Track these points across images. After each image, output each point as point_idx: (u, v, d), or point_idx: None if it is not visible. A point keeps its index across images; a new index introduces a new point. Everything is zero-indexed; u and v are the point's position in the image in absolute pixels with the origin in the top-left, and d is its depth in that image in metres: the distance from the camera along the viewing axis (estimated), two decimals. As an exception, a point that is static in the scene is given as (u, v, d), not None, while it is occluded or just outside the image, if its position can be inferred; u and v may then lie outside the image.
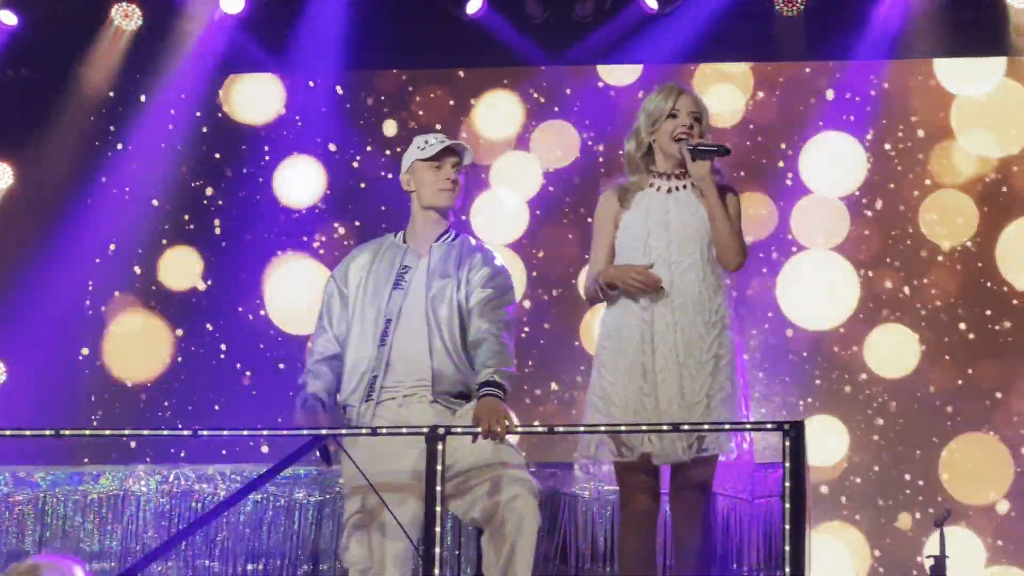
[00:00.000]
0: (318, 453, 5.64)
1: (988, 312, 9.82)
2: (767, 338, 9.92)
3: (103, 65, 10.20)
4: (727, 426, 5.56)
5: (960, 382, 9.75)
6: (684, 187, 5.84)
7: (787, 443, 5.15)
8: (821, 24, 9.81)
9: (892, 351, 9.86)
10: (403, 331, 5.73)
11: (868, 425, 9.79)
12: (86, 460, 8.29)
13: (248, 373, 10.15)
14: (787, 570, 5.09)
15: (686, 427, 5.47)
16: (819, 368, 9.86)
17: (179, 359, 10.24)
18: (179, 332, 10.27)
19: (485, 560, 5.63)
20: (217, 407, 10.09)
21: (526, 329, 9.97)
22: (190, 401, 10.14)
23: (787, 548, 5.11)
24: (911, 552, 9.54)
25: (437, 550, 5.26)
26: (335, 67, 10.25)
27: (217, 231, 10.40)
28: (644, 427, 5.58)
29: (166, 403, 10.15)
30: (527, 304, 10.07)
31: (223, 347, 10.23)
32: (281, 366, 10.08)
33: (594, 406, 5.75)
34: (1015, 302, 9.81)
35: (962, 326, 9.83)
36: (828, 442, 9.74)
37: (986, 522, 9.61)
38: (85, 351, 10.26)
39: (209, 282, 10.33)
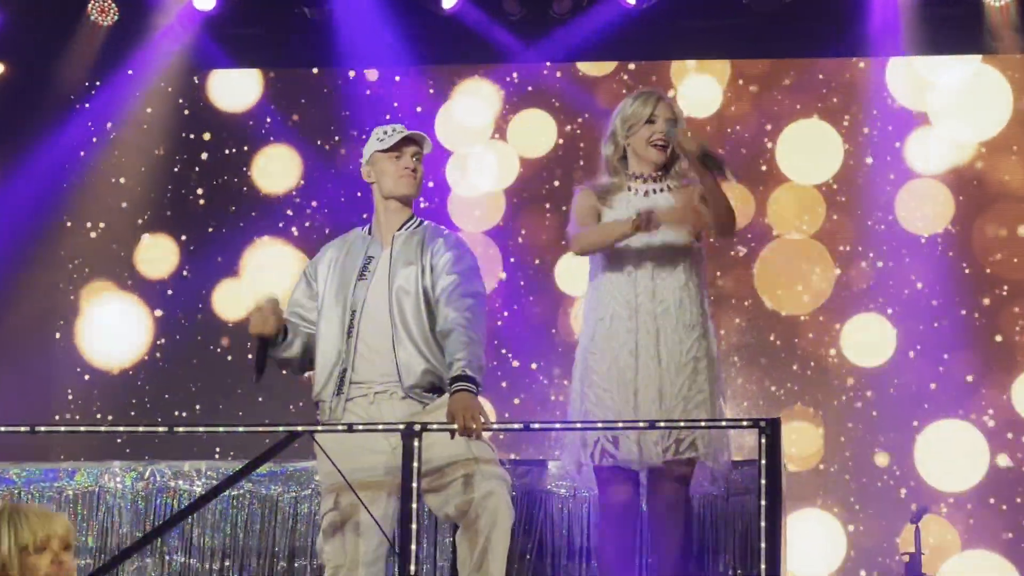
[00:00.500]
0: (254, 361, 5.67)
1: (964, 299, 9.86)
2: (744, 326, 9.95)
3: (80, 60, 10.19)
4: (703, 424, 5.58)
5: (939, 369, 9.79)
6: (662, 190, 5.86)
7: (763, 440, 5.15)
8: (801, 21, 9.82)
9: (868, 340, 9.89)
10: (368, 322, 5.73)
11: (844, 413, 9.82)
12: (61, 457, 8.29)
13: (228, 357, 10.18)
14: (763, 567, 5.10)
15: (662, 424, 5.49)
16: (795, 357, 9.89)
17: (158, 342, 10.26)
18: (158, 313, 10.29)
19: (459, 557, 5.63)
20: (194, 387, 10.16)
21: (505, 314, 9.99)
22: (168, 386, 10.17)
23: (763, 545, 5.11)
24: (886, 539, 9.59)
25: (413, 547, 5.26)
26: (313, 63, 10.30)
27: (194, 219, 10.42)
28: (620, 425, 5.60)
29: (147, 388, 10.18)
30: (502, 292, 10.08)
31: (199, 336, 10.25)
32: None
33: (592, 415, 5.77)
34: (991, 289, 9.84)
35: (937, 314, 9.86)
36: (804, 431, 9.78)
37: (962, 508, 9.66)
38: (58, 335, 10.26)
39: (186, 272, 10.34)
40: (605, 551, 5.80)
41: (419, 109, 10.25)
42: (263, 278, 10.19)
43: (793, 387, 9.87)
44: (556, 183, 10.11)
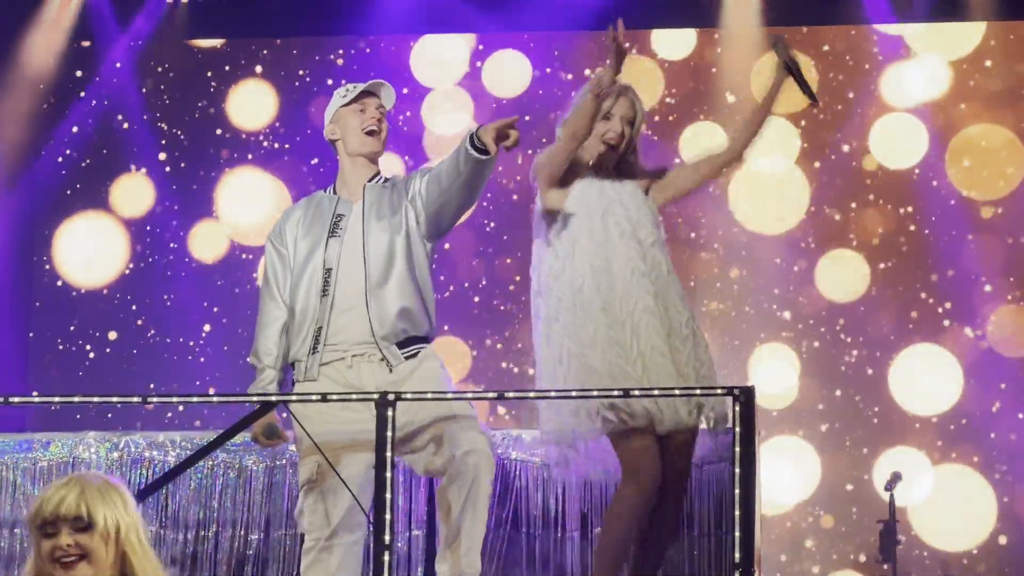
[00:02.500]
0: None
1: (936, 230, 9.94)
2: (720, 264, 10.03)
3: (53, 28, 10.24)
4: (677, 392, 5.57)
5: (911, 299, 9.85)
6: (619, 180, 5.83)
7: (737, 408, 5.15)
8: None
9: (842, 275, 9.94)
10: (343, 279, 5.73)
11: (820, 347, 9.90)
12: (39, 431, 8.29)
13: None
14: (737, 534, 5.10)
15: (636, 393, 5.46)
16: (773, 298, 9.96)
17: (131, 267, 10.51)
18: (137, 248, 10.47)
19: (440, 510, 5.62)
20: (168, 301, 10.36)
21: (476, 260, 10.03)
22: (145, 305, 10.37)
23: (738, 512, 5.11)
24: (860, 469, 9.70)
25: (388, 516, 5.25)
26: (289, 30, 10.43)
27: (164, 156, 10.56)
28: (595, 392, 5.55)
29: (131, 306, 10.36)
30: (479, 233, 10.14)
31: (172, 253, 10.41)
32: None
33: (578, 380, 5.68)
34: (964, 217, 9.92)
35: (906, 247, 9.94)
36: (780, 368, 9.87)
37: (935, 430, 9.78)
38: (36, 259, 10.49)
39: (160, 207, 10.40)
40: (630, 525, 5.63)
41: (393, 48, 10.38)
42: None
43: (767, 326, 9.97)
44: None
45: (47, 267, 10.56)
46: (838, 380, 9.97)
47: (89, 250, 10.58)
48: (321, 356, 5.70)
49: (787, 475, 9.80)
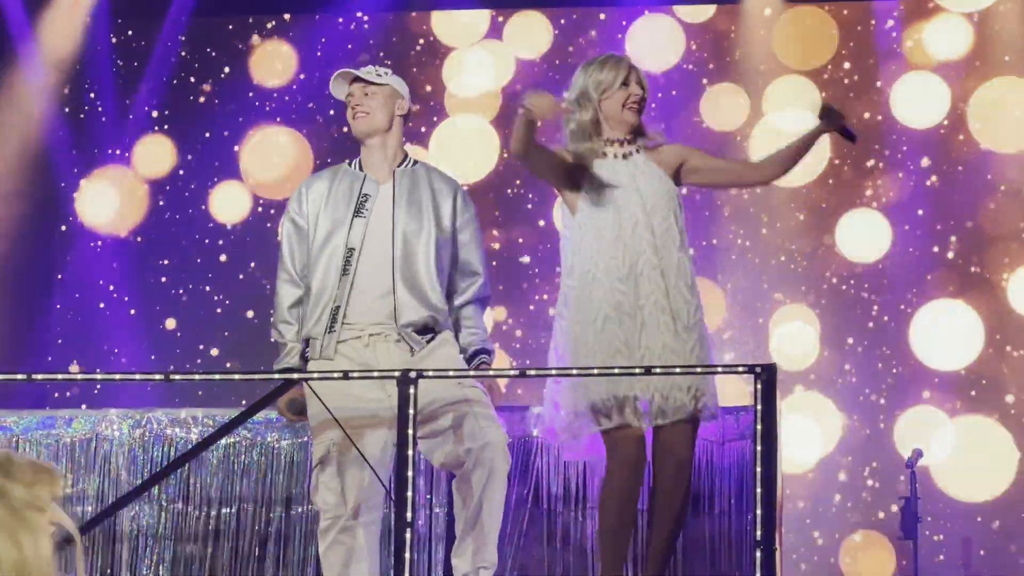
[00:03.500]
0: None
1: (959, 186, 9.94)
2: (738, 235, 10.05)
3: None
4: (699, 369, 5.57)
5: (930, 256, 9.90)
6: (637, 151, 5.83)
7: (758, 386, 5.15)
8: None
9: (863, 237, 9.94)
10: (366, 261, 5.72)
11: (841, 310, 9.92)
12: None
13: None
14: (759, 512, 5.10)
15: (658, 370, 5.46)
16: (792, 257, 9.97)
17: (154, 215, 10.58)
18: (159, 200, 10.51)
19: (456, 506, 5.67)
20: (199, 260, 10.45)
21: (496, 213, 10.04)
22: (168, 255, 10.45)
23: (759, 491, 5.11)
24: (882, 425, 9.71)
25: (410, 494, 5.25)
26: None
27: (191, 115, 10.66)
28: (616, 370, 5.56)
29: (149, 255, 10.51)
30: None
31: (199, 208, 10.49)
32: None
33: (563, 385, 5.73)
34: (987, 175, 9.92)
35: (928, 207, 9.92)
36: (803, 332, 9.89)
37: (955, 383, 9.79)
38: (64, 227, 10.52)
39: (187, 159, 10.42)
40: (613, 504, 5.71)
41: (413, 15, 10.38)
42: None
43: (787, 291, 9.97)
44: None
45: (71, 220, 10.66)
46: (859, 337, 9.97)
47: (111, 205, 10.65)
48: (338, 335, 5.70)
49: (808, 432, 9.81)
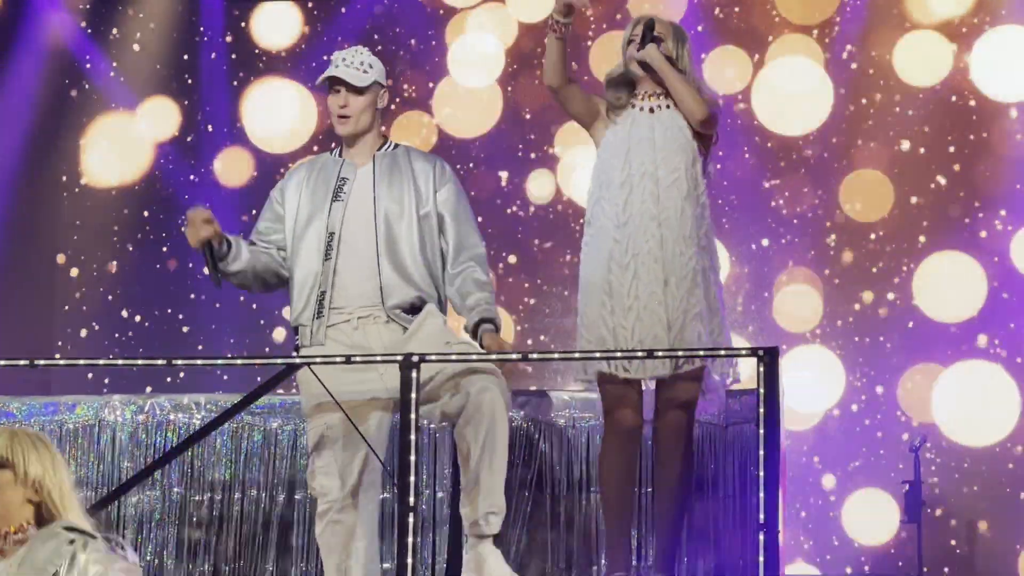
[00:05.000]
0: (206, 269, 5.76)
1: (958, 144, 9.92)
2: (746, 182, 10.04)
3: None
4: (702, 353, 5.58)
5: (935, 209, 9.91)
6: (668, 106, 5.92)
7: (761, 369, 5.14)
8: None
9: (867, 198, 9.96)
10: (347, 243, 5.74)
11: (842, 270, 9.91)
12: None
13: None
14: (762, 495, 5.10)
15: (660, 354, 5.49)
16: (793, 216, 9.96)
17: (157, 172, 10.61)
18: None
19: (460, 452, 5.64)
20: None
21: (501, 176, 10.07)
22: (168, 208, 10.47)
23: (762, 473, 5.11)
24: (887, 377, 9.69)
25: (412, 478, 5.25)
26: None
27: (189, 79, 10.67)
28: (619, 353, 5.59)
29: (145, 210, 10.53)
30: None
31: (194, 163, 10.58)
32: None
33: (578, 332, 5.91)
34: (983, 132, 9.90)
35: (933, 166, 9.91)
36: (807, 299, 9.88)
37: (960, 336, 9.77)
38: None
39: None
40: (608, 474, 5.82)
41: None
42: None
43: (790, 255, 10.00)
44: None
45: (75, 180, 10.67)
46: (866, 289, 9.95)
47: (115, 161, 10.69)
48: (327, 319, 5.70)
49: (811, 386, 9.81)
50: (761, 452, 5.12)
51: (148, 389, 8.98)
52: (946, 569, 9.48)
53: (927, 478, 9.07)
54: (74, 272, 10.58)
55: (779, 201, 10.09)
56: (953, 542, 9.51)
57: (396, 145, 5.93)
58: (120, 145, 10.66)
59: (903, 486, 8.74)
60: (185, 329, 10.40)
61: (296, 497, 6.54)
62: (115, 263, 10.59)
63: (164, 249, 10.54)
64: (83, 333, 10.41)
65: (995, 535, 9.55)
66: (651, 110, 5.96)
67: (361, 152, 5.87)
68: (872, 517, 9.56)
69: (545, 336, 9.91)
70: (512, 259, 10.19)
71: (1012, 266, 9.80)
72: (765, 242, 10.06)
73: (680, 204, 5.82)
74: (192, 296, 10.45)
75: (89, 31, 10.70)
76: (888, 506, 9.42)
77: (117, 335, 10.45)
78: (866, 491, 9.61)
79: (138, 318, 10.50)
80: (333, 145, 6.05)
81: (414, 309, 5.73)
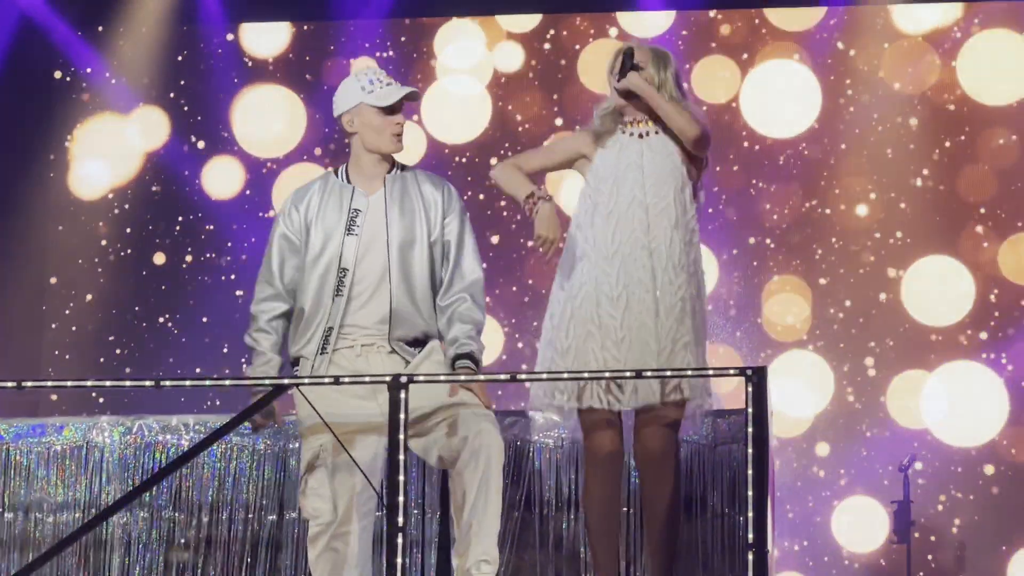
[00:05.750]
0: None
1: (944, 150, 9.94)
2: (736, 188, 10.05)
3: None
4: (689, 373, 5.58)
5: (923, 216, 9.99)
6: (657, 132, 5.90)
7: (749, 388, 5.14)
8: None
9: (854, 204, 10.04)
10: (360, 280, 5.66)
11: (831, 278, 9.92)
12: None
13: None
14: (751, 515, 5.10)
15: (648, 374, 5.48)
16: (782, 221, 9.98)
17: (147, 176, 10.65)
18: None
19: (454, 499, 5.60)
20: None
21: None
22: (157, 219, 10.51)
23: (751, 493, 5.11)
24: (875, 388, 9.70)
25: (401, 499, 5.25)
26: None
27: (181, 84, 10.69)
28: (607, 374, 5.59)
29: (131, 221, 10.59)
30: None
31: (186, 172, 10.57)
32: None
33: (546, 356, 5.86)
34: (970, 138, 9.94)
35: (920, 172, 9.93)
36: (794, 302, 9.88)
37: (948, 342, 9.84)
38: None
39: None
40: (592, 502, 5.81)
41: None
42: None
43: (778, 261, 10.03)
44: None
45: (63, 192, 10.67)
46: (851, 296, 9.98)
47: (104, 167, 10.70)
48: (331, 356, 5.67)
49: (799, 393, 9.83)
50: (750, 471, 5.12)
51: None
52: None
53: (915, 481, 9.08)
54: (63, 291, 10.57)
55: (766, 206, 10.12)
56: (939, 555, 9.55)
57: (404, 167, 5.83)
58: (110, 155, 10.67)
59: (892, 505, 8.74)
60: (182, 339, 10.43)
61: (285, 518, 6.53)
62: (102, 279, 10.59)
63: (155, 259, 10.57)
64: (67, 356, 10.41)
65: (985, 540, 9.58)
66: (640, 136, 5.92)
67: (371, 175, 5.76)
68: (861, 525, 9.57)
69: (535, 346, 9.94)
70: (500, 264, 10.22)
71: (999, 273, 9.86)
72: (752, 241, 10.08)
73: (670, 233, 5.80)
74: (180, 311, 10.48)
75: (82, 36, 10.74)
76: (876, 514, 9.45)
77: (103, 359, 10.44)
78: (854, 499, 9.64)
79: (124, 339, 10.49)
80: (329, 167, 5.97)
81: (417, 343, 5.70)
